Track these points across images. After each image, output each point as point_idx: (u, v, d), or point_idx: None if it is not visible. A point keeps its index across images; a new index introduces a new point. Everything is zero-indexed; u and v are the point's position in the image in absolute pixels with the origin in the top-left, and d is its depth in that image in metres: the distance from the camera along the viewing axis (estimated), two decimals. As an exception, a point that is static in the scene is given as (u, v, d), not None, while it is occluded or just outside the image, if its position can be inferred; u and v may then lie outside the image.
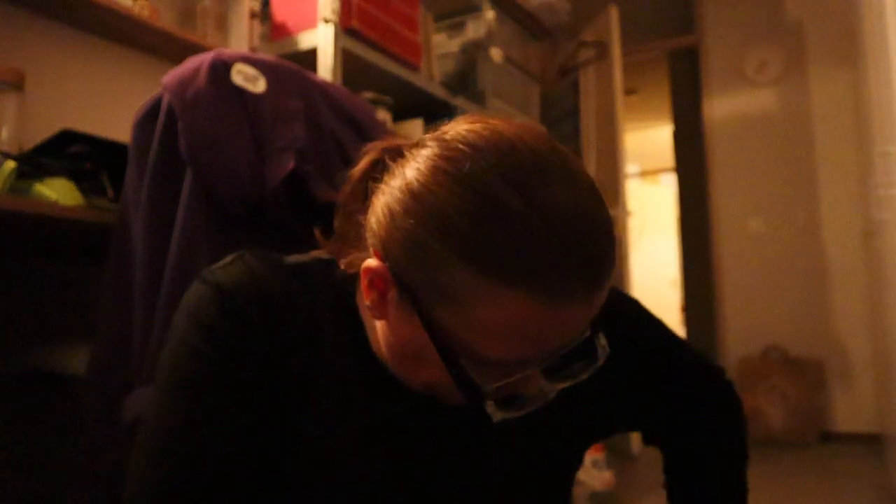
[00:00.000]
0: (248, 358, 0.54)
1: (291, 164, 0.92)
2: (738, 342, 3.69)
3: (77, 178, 1.10)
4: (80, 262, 1.56)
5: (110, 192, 1.13)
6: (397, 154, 0.54)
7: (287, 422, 0.55)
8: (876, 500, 2.30)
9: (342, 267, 0.59)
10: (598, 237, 0.47)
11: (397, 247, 0.49)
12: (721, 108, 3.90)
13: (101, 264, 1.00)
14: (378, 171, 0.56)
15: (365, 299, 0.53)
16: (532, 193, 0.45)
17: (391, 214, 0.49)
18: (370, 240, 0.53)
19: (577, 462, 0.69)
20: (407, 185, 0.49)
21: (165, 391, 0.54)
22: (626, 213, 3.20)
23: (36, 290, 1.50)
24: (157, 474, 0.52)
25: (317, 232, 0.65)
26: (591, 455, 2.33)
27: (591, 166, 3.41)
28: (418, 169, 0.49)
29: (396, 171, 0.51)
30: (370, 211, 0.53)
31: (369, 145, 0.60)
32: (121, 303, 0.94)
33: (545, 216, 0.45)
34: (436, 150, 0.49)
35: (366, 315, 0.59)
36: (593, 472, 2.30)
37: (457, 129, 0.51)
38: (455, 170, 0.47)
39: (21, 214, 0.99)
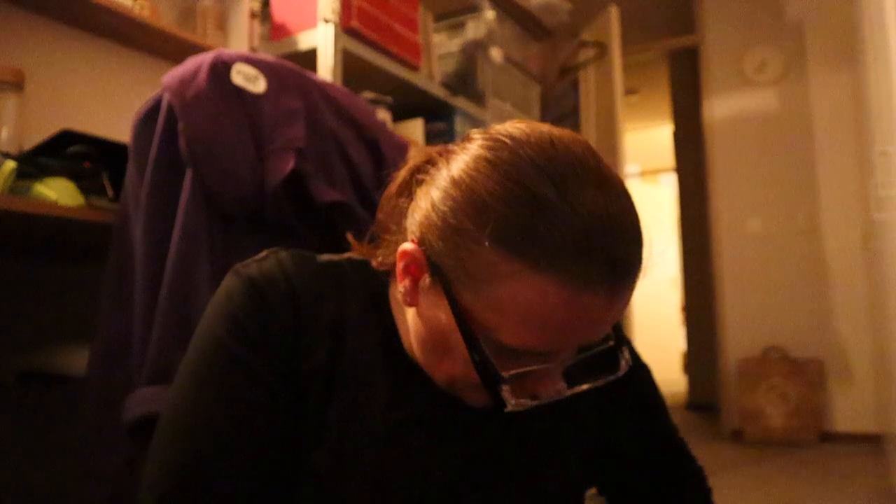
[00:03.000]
0: (272, 350, 0.55)
1: (291, 164, 0.92)
2: (738, 342, 3.69)
3: (77, 178, 1.10)
4: (80, 262, 1.56)
5: (110, 192, 1.13)
6: (448, 152, 0.56)
7: (313, 414, 0.56)
8: (876, 500, 2.30)
9: (374, 265, 0.62)
10: (625, 239, 0.48)
11: (434, 231, 0.51)
12: (721, 108, 3.90)
13: (101, 264, 1.00)
14: (426, 169, 0.58)
15: (398, 284, 0.55)
16: (566, 187, 0.47)
17: (432, 202, 0.52)
18: (410, 228, 0.55)
19: (586, 483, 0.69)
20: (450, 174, 0.52)
21: (188, 377, 0.55)
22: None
23: (36, 290, 1.50)
24: (171, 456, 0.53)
25: (349, 235, 0.68)
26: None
27: (591, 166, 3.41)
28: (463, 159, 0.52)
29: (442, 164, 0.54)
30: (413, 203, 0.56)
31: (419, 149, 0.62)
32: (121, 303, 0.94)
33: (576, 209, 0.46)
34: (481, 142, 0.52)
35: (397, 311, 0.61)
36: (593, 472, 2.30)
37: (504, 126, 0.53)
38: (495, 158, 0.50)
39: (21, 214, 0.99)
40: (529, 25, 3.14)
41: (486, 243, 0.47)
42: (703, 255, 4.26)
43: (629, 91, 5.23)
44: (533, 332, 0.48)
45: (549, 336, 0.49)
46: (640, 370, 0.74)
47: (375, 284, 0.62)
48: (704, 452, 3.54)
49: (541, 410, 0.58)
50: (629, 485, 0.74)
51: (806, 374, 3.43)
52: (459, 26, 2.47)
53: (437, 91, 2.11)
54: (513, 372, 0.50)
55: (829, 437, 3.41)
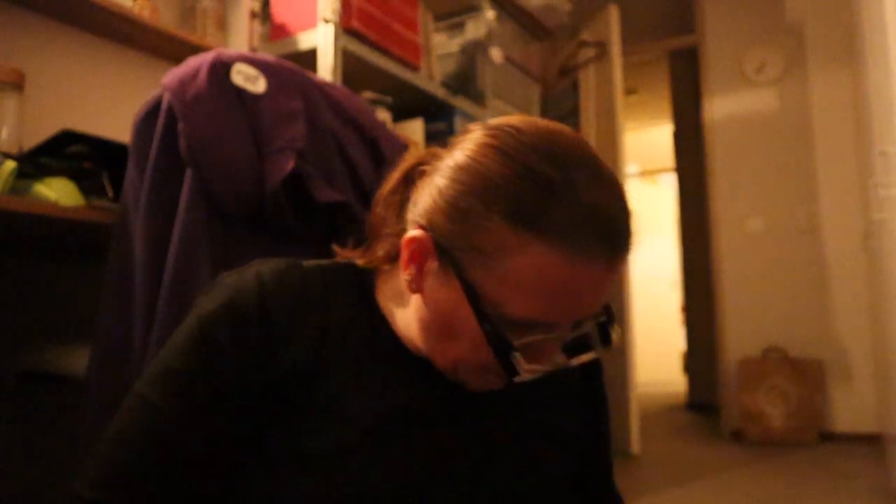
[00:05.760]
0: (233, 362, 0.56)
1: (291, 165, 0.92)
2: (738, 342, 3.69)
3: (77, 178, 1.10)
4: (80, 262, 1.56)
5: (110, 192, 1.13)
6: (448, 145, 0.59)
7: (294, 415, 0.57)
8: (876, 500, 2.30)
9: (361, 264, 0.65)
10: (621, 212, 0.53)
11: (440, 214, 0.55)
12: (721, 108, 3.90)
13: (101, 264, 1.00)
14: (428, 162, 0.61)
15: (402, 273, 0.58)
16: (567, 168, 0.52)
17: (438, 189, 0.55)
18: (412, 218, 0.58)
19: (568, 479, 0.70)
20: (455, 162, 0.55)
21: (155, 376, 0.57)
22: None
23: (36, 290, 1.50)
24: (117, 436, 0.56)
25: (335, 247, 0.70)
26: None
27: (591, 166, 3.41)
28: (467, 147, 0.56)
29: (445, 155, 0.58)
30: (415, 194, 0.59)
31: (412, 151, 0.67)
32: (121, 303, 0.94)
33: (577, 187, 0.51)
34: (483, 132, 0.56)
35: (388, 306, 0.63)
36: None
37: (502, 118, 0.57)
38: (500, 143, 0.54)
39: (21, 214, 0.99)
40: (529, 25, 3.14)
41: (496, 220, 0.51)
42: (703, 255, 4.26)
43: (629, 91, 5.23)
44: (539, 303, 0.52)
45: (553, 306, 0.52)
46: (605, 399, 0.77)
47: (363, 283, 0.65)
48: (704, 452, 3.53)
49: (522, 392, 0.64)
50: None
51: (806, 374, 3.43)
52: (459, 26, 2.47)
53: (437, 91, 2.11)
54: (524, 340, 0.53)
55: (829, 437, 3.41)
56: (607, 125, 3.30)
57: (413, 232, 0.56)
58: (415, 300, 0.59)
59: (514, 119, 0.56)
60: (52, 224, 1.08)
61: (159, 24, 1.70)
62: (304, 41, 1.75)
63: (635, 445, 3.06)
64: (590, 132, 3.43)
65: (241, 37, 1.86)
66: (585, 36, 3.46)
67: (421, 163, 0.62)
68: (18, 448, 1.43)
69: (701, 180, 4.08)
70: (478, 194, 0.52)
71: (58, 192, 1.05)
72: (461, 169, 0.54)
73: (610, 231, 0.51)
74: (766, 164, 3.75)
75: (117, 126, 1.69)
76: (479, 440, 0.61)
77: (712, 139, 3.90)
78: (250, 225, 0.95)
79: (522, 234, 0.50)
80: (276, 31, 1.83)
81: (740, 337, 3.69)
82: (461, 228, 0.53)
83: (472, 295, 0.53)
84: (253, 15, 1.87)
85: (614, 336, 0.59)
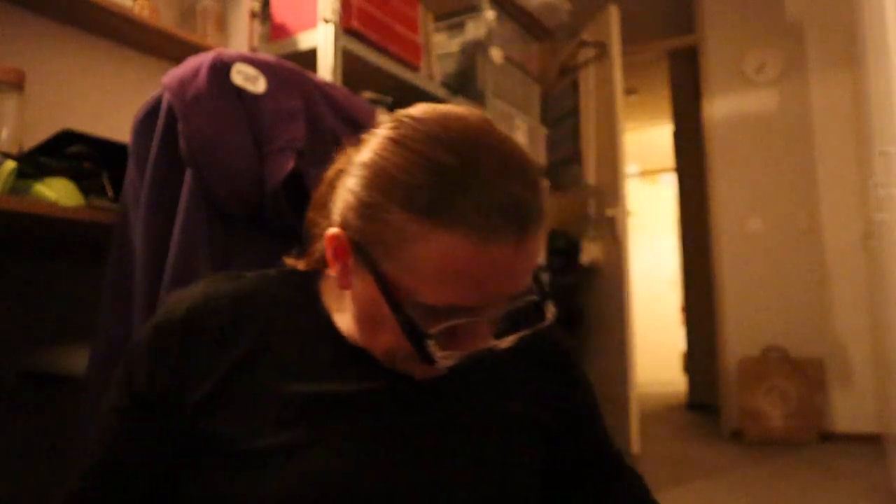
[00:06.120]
0: (155, 370, 0.60)
1: (291, 165, 0.92)
2: (738, 342, 3.69)
3: (77, 178, 1.10)
4: (80, 262, 1.56)
5: (110, 192, 1.13)
6: (359, 142, 0.61)
7: (230, 418, 0.59)
8: (876, 500, 2.30)
9: (302, 268, 0.68)
10: (523, 189, 0.53)
11: (351, 212, 0.56)
12: (721, 108, 3.89)
13: (101, 264, 1.00)
14: (342, 167, 0.64)
15: (332, 271, 0.60)
16: (462, 151, 0.52)
17: (348, 187, 0.57)
18: (333, 217, 0.60)
19: (532, 483, 0.67)
20: (360, 159, 0.57)
21: (113, 378, 0.63)
22: (625, 213, 3.19)
23: (35, 290, 1.50)
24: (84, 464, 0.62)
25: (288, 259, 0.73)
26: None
27: (591, 166, 3.41)
28: (371, 143, 0.58)
29: (354, 153, 0.60)
30: (335, 194, 0.61)
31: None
32: (121, 303, 0.94)
33: (473, 168, 0.52)
34: (385, 126, 0.58)
35: (331, 304, 0.66)
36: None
37: (407, 109, 0.58)
38: (397, 136, 0.55)
39: (21, 214, 0.99)
40: (529, 25, 3.14)
41: (396, 211, 0.52)
42: (703, 255, 4.26)
43: (629, 91, 5.23)
44: (451, 288, 0.52)
45: (466, 290, 0.52)
46: (583, 376, 0.76)
47: (308, 287, 0.67)
48: (704, 452, 3.54)
49: (478, 382, 0.65)
50: (565, 482, 0.74)
51: (806, 374, 3.43)
52: (459, 26, 2.47)
53: (437, 91, 2.11)
54: (439, 328, 0.54)
55: (829, 437, 3.41)
56: (607, 125, 3.30)
57: (330, 231, 0.58)
58: (348, 296, 0.62)
59: (416, 109, 0.58)
60: (52, 224, 1.07)
61: (159, 24, 1.70)
62: (304, 41, 1.75)
63: (635, 445, 3.06)
64: (590, 132, 3.43)
65: (241, 37, 1.86)
66: (585, 36, 3.46)
67: (346, 156, 0.64)
68: (18, 448, 1.43)
69: (701, 180, 4.08)
70: (378, 188, 0.54)
71: (58, 192, 1.05)
72: (365, 165, 0.56)
73: (513, 212, 0.51)
74: (766, 164, 3.75)
75: (117, 126, 1.69)
76: (428, 429, 0.62)
77: (712, 139, 3.90)
78: (250, 225, 0.95)
79: (423, 222, 0.51)
80: (276, 31, 1.83)
81: (740, 337, 3.69)
82: (368, 223, 0.54)
83: (384, 286, 0.54)
84: (253, 15, 1.87)
85: (548, 313, 0.59)
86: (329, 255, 0.59)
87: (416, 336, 0.54)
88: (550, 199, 3.14)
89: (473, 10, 2.45)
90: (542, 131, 3.14)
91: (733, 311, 3.75)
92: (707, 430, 3.76)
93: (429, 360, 0.54)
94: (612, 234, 3.20)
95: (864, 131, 2.96)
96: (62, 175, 1.08)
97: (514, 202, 0.52)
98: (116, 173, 1.09)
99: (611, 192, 3.25)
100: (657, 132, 6.26)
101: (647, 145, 6.61)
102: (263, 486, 0.56)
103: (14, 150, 1.21)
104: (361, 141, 0.60)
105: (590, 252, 3.29)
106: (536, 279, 0.59)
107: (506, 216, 0.51)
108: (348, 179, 0.58)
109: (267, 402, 0.59)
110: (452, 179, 0.51)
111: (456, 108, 0.58)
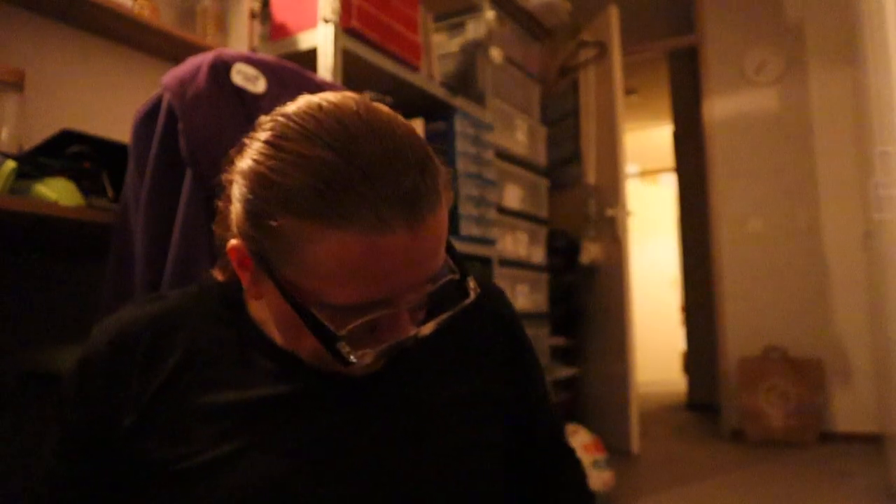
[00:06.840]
0: (80, 401, 0.60)
1: (291, 164, 0.92)
2: (738, 342, 3.69)
3: (77, 178, 1.10)
4: (80, 262, 1.56)
5: (110, 192, 1.13)
6: (241, 146, 0.58)
7: (163, 437, 0.58)
8: (876, 500, 2.30)
9: (222, 280, 0.66)
10: (410, 172, 0.50)
11: (242, 221, 0.54)
12: (721, 108, 3.89)
13: (101, 264, 1.00)
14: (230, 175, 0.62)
15: (243, 283, 0.58)
16: (340, 146, 0.50)
17: (236, 196, 0.55)
18: (233, 229, 0.58)
19: (492, 462, 0.66)
20: (240, 167, 0.55)
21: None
22: (625, 214, 3.19)
23: (35, 289, 1.50)
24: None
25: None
26: (592, 455, 2.33)
27: (591, 166, 3.41)
28: (249, 149, 0.55)
29: (238, 160, 0.57)
30: (231, 206, 0.58)
31: None
32: (121, 302, 0.94)
33: (349, 159, 0.49)
34: (261, 130, 0.55)
35: (257, 312, 0.64)
36: (593, 472, 2.30)
37: (282, 107, 0.56)
38: (272, 138, 0.53)
39: (21, 214, 0.99)
40: (529, 25, 3.14)
41: (281, 216, 0.50)
42: (703, 255, 4.26)
43: (629, 91, 5.23)
44: (354, 286, 0.50)
45: (370, 285, 0.51)
46: (529, 349, 0.76)
47: (231, 299, 0.66)
48: (704, 452, 3.54)
49: (420, 370, 0.64)
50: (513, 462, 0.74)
51: (806, 374, 3.43)
52: (459, 26, 2.47)
53: (437, 91, 2.11)
54: (351, 327, 0.52)
55: (829, 437, 3.41)
56: (607, 125, 3.30)
57: (231, 242, 0.57)
58: (264, 304, 0.60)
59: (291, 104, 0.55)
60: (52, 224, 1.08)
61: (159, 24, 1.70)
62: (304, 41, 1.75)
63: (635, 445, 3.06)
64: (590, 132, 3.43)
65: (241, 37, 1.87)
66: (585, 36, 3.47)
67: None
68: (18, 448, 1.43)
69: (701, 180, 4.07)
70: (261, 195, 0.52)
71: (58, 192, 1.05)
72: (244, 174, 0.54)
73: (402, 200, 0.49)
74: (766, 164, 3.75)
75: (117, 126, 1.69)
76: (368, 425, 0.61)
77: (712, 139, 3.90)
78: (250, 225, 0.95)
79: (311, 225, 0.49)
80: (276, 31, 1.83)
81: (740, 337, 3.69)
82: (259, 231, 0.52)
83: (285, 292, 0.53)
84: (253, 15, 1.87)
85: (471, 290, 0.58)
86: (235, 266, 0.58)
87: (326, 339, 0.52)
88: (551, 199, 3.14)
89: (473, 10, 2.45)
90: (542, 131, 3.14)
91: (733, 311, 3.75)
92: (707, 430, 3.76)
93: (343, 361, 0.52)
94: (612, 234, 3.20)
95: (864, 131, 2.96)
96: (62, 175, 1.08)
97: (401, 190, 0.49)
98: (116, 173, 1.09)
99: (611, 191, 3.25)
100: (657, 132, 6.26)
101: (647, 145, 6.61)
102: (203, 500, 0.55)
103: (14, 150, 1.21)
104: (243, 146, 0.57)
105: (590, 252, 3.29)
106: (454, 257, 0.58)
107: (394, 206, 0.49)
108: (234, 188, 0.56)
109: (200, 418, 0.58)
110: (333, 177, 0.48)
111: (332, 96, 0.55)
